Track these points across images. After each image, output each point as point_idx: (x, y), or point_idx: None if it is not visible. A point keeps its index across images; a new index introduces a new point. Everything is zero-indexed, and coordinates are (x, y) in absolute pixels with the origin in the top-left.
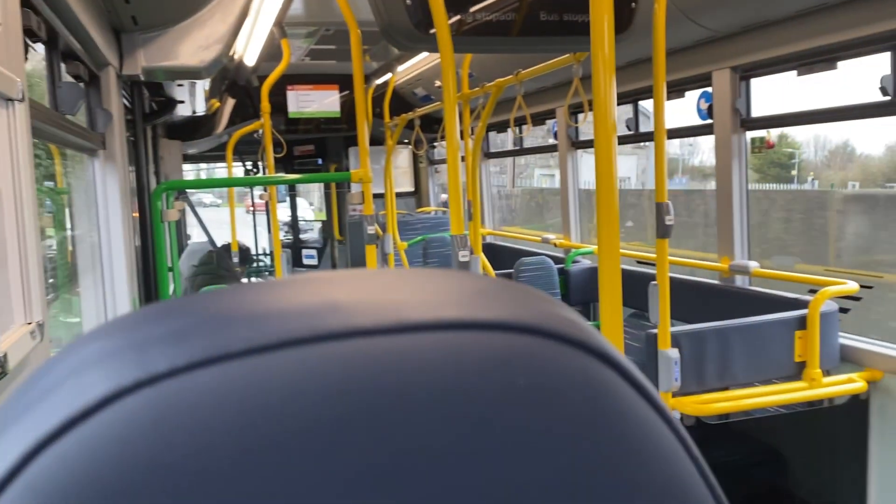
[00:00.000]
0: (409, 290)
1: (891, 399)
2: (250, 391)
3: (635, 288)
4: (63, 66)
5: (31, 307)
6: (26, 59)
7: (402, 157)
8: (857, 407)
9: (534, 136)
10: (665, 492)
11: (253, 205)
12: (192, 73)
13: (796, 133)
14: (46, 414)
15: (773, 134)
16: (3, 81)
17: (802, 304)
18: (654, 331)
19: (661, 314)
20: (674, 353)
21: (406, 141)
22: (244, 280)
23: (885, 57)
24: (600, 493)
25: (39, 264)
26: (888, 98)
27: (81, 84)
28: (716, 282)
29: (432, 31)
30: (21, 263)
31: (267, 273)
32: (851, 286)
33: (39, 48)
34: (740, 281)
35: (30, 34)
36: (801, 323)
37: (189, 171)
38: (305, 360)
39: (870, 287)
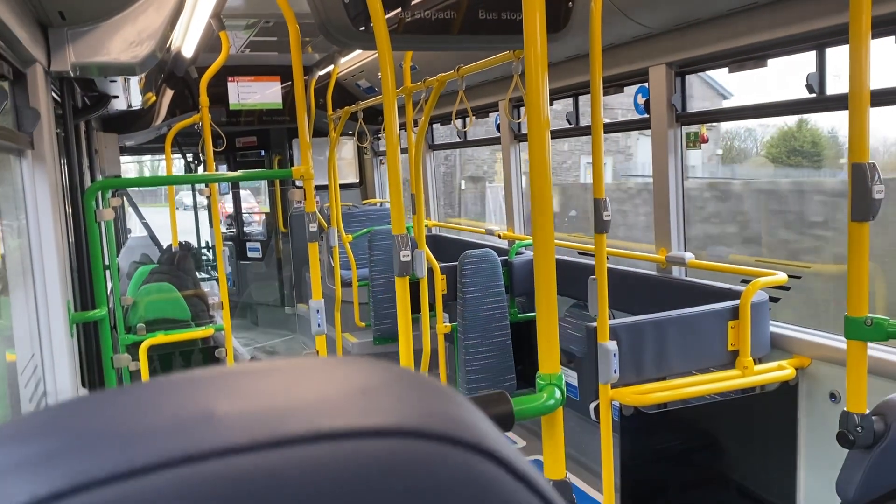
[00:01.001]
0: (291, 393)
1: (817, 384)
2: None
3: (577, 279)
4: None
5: None
6: None
7: (347, 149)
8: (786, 392)
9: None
10: None
11: (194, 197)
12: (125, 69)
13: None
14: None
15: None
16: None
17: (735, 295)
18: (594, 324)
19: (599, 308)
20: (612, 345)
21: (350, 132)
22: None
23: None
24: None
25: None
26: (814, 95)
27: (6, 83)
28: (653, 273)
29: (371, 27)
30: None
31: (210, 268)
32: (780, 277)
33: None
34: (677, 272)
35: None
36: (734, 313)
37: (132, 163)
38: (176, 485)
39: (798, 277)
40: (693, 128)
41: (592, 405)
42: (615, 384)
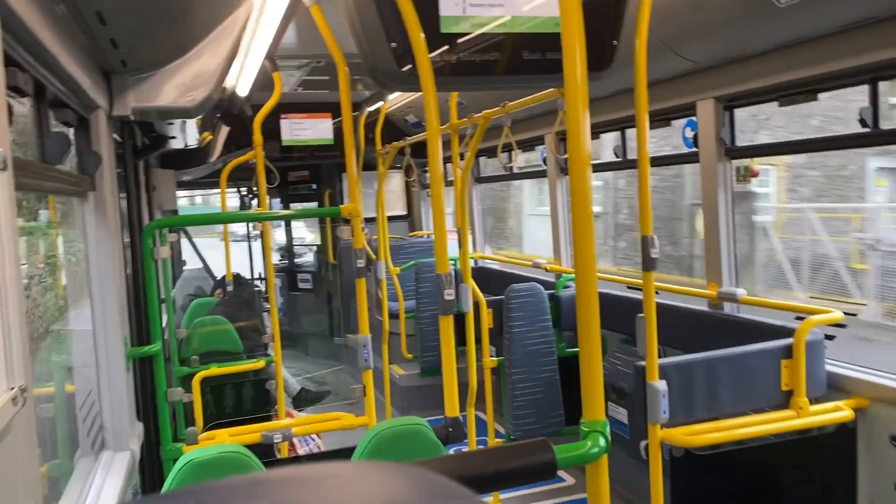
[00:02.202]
0: None
1: (877, 427)
2: None
3: (627, 314)
4: (51, 112)
5: (14, 371)
6: (11, 119)
7: (395, 181)
8: (845, 435)
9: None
10: None
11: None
12: (182, 113)
13: None
14: None
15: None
16: None
17: (789, 332)
18: (643, 363)
19: (648, 346)
20: (662, 385)
21: (399, 165)
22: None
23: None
24: None
25: (22, 327)
26: (867, 129)
27: (70, 129)
28: (705, 309)
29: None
30: (3, 328)
31: (262, 300)
32: (836, 314)
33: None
34: (729, 308)
35: (16, 90)
36: (788, 352)
37: (187, 196)
38: None
39: (854, 315)
40: (743, 162)
41: (642, 444)
42: (665, 424)
